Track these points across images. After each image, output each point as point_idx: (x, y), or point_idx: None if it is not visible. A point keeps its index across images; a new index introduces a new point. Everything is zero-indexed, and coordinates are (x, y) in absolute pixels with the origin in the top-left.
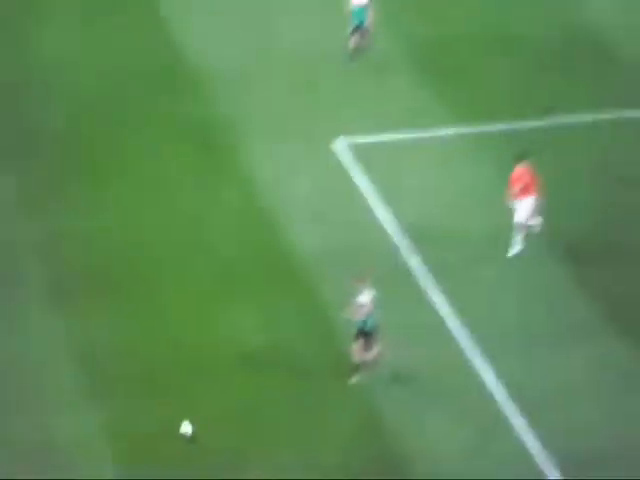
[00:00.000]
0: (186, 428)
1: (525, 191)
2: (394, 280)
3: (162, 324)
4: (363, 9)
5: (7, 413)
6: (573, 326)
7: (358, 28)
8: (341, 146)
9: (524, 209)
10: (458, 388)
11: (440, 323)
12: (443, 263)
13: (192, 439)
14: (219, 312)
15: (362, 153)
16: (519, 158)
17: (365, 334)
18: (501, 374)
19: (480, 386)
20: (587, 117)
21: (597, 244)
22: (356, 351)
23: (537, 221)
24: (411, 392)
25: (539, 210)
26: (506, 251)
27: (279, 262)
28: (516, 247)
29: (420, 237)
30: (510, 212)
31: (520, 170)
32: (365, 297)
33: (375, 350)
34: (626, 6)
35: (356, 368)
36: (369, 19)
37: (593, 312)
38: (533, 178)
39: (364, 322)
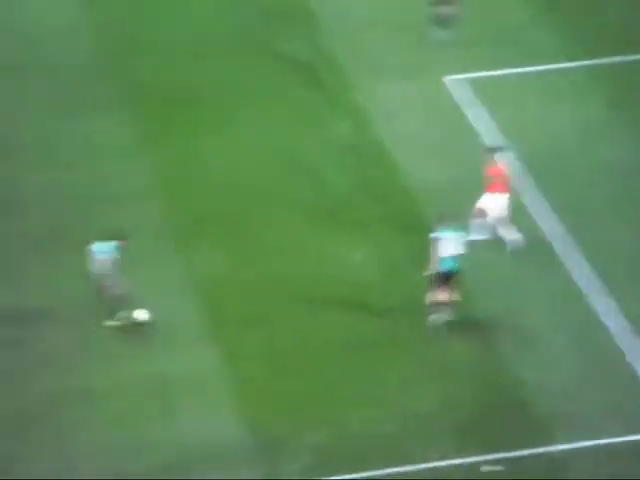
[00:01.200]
0: (140, 315)
1: (499, 187)
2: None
3: (273, 258)
4: None
5: None
6: None
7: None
8: (453, 82)
9: (499, 206)
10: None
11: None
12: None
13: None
14: (330, 246)
15: (475, 88)
16: (493, 150)
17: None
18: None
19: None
20: None
21: None
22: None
23: (515, 236)
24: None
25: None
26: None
27: (392, 196)
28: (513, 236)
29: (541, 174)
30: None
31: (495, 165)
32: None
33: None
34: None
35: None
36: None
37: None
38: (506, 176)
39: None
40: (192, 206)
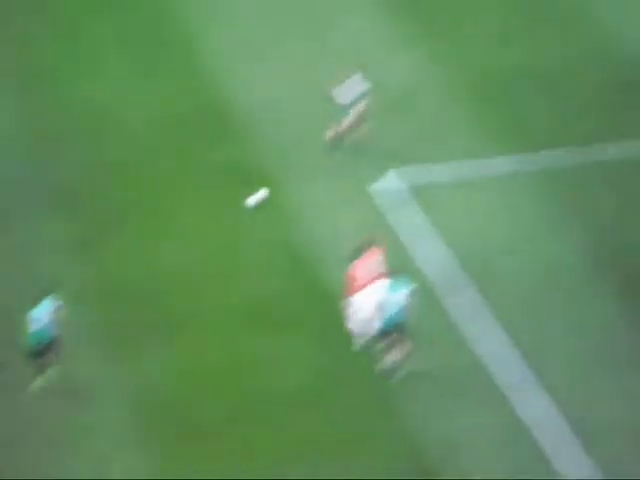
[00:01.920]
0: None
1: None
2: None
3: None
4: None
5: None
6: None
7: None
8: (390, 180)
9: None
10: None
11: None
12: (498, 299)
13: None
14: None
15: (403, 190)
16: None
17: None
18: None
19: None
20: None
21: None
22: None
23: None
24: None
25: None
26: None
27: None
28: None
29: (478, 272)
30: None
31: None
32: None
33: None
34: None
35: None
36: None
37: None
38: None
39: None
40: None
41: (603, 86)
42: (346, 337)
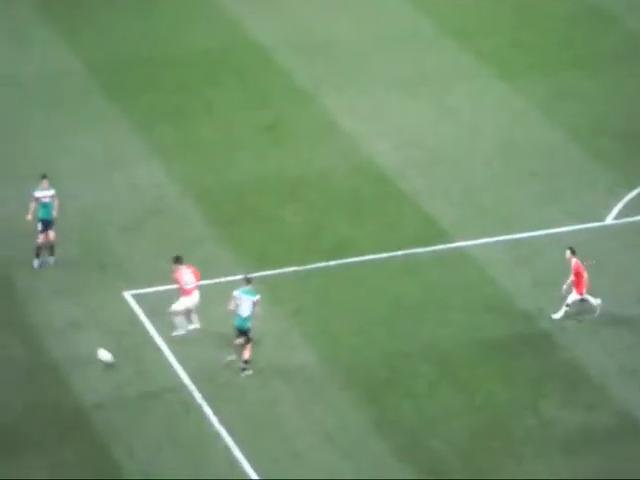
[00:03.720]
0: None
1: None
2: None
3: None
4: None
5: None
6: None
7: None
8: (131, 298)
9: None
10: None
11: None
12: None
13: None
14: None
15: (151, 303)
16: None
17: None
18: None
19: None
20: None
21: None
22: None
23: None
24: None
25: None
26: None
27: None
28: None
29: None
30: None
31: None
32: None
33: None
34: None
35: None
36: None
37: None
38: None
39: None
40: None
41: None
42: None
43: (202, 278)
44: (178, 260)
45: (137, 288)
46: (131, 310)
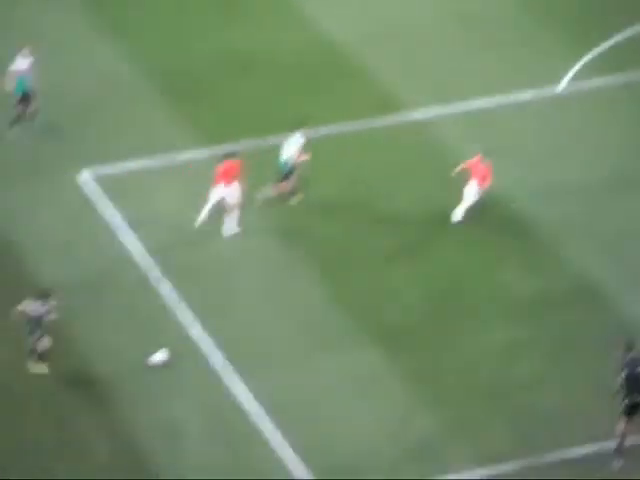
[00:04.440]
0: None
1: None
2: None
3: None
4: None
5: None
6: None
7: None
8: (86, 178)
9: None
10: (212, 406)
11: (192, 342)
12: (196, 290)
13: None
14: None
15: (107, 183)
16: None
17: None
18: (255, 390)
19: (233, 403)
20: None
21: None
22: None
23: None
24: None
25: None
26: (259, 272)
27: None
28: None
29: (169, 264)
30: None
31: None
32: None
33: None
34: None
35: None
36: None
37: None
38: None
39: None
40: None
41: None
42: None
43: (158, 157)
44: (229, 155)
45: (92, 167)
46: (87, 191)
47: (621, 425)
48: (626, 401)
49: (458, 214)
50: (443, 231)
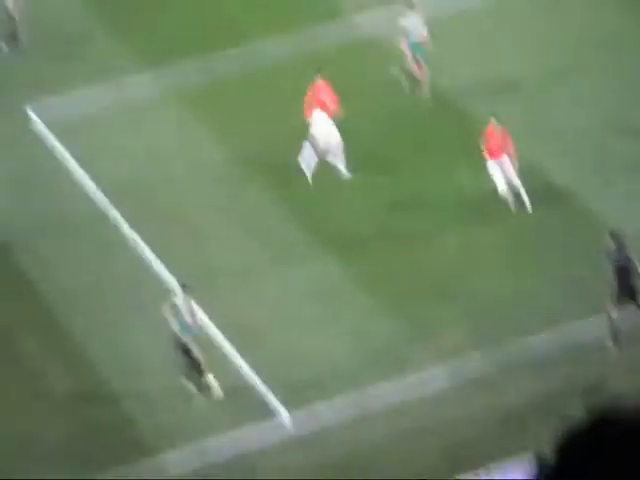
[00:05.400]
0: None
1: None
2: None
3: None
4: None
5: None
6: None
7: None
8: (33, 113)
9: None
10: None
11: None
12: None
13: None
14: None
15: (55, 118)
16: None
17: None
18: (209, 312)
19: None
20: None
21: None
22: None
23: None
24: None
25: None
26: (211, 189)
27: None
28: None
29: (123, 193)
30: None
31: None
32: None
33: None
34: None
35: None
36: None
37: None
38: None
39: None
40: None
41: None
42: None
43: (95, 80)
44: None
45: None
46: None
47: (613, 313)
48: (616, 290)
49: (527, 204)
50: (396, 137)
